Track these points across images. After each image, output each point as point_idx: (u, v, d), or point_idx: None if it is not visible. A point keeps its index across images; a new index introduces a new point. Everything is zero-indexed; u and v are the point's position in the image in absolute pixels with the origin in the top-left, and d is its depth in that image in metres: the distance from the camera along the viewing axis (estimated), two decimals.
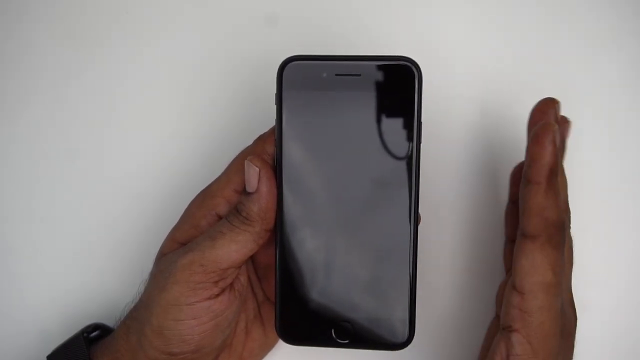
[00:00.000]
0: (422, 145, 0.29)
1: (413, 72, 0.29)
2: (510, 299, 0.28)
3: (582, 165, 0.38)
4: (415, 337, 0.30)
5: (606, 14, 0.38)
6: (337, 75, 0.29)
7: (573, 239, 0.31)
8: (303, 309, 0.30)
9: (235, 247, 0.30)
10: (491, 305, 0.34)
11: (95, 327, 0.35)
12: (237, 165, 0.32)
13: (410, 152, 0.29)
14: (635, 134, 0.38)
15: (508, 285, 0.28)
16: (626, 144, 0.38)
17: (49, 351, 0.34)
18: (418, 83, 0.29)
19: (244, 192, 0.30)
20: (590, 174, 0.38)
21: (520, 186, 0.27)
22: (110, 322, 0.36)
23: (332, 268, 0.30)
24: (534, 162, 0.26)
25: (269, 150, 0.31)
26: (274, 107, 0.30)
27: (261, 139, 0.32)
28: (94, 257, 0.40)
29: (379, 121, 0.29)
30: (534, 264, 0.27)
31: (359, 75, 0.29)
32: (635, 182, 0.38)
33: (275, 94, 0.29)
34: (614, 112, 0.38)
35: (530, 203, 0.27)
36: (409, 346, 0.30)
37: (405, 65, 0.29)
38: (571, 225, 0.31)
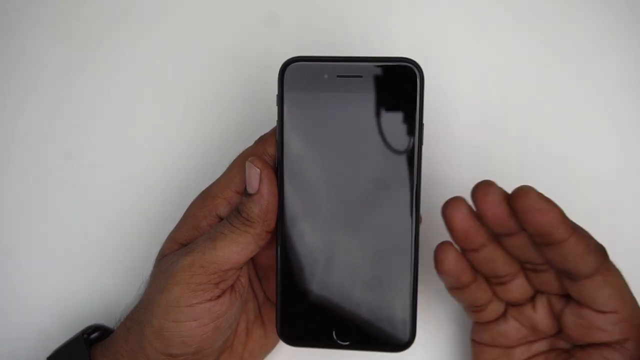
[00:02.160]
0: (423, 145, 0.29)
1: (414, 73, 0.29)
2: (593, 322, 0.29)
3: (582, 165, 0.38)
4: (416, 338, 0.30)
5: (606, 14, 0.38)
6: (338, 76, 0.29)
7: None
8: (304, 310, 0.30)
9: (236, 248, 0.30)
10: None
11: (96, 328, 0.35)
12: (238, 166, 0.32)
13: (412, 152, 0.29)
14: (636, 134, 0.38)
15: (574, 313, 0.29)
16: (626, 144, 0.38)
17: (49, 352, 0.34)
18: (419, 84, 0.29)
19: (245, 193, 0.30)
20: (590, 174, 0.38)
21: (544, 250, 0.28)
22: (110, 323, 0.36)
23: (334, 269, 0.30)
24: (547, 229, 0.27)
25: (270, 151, 0.31)
26: (275, 108, 0.29)
27: (262, 140, 0.31)
28: (94, 258, 0.40)
29: (380, 122, 0.29)
30: (612, 291, 0.28)
31: (361, 76, 0.29)
32: (635, 182, 0.38)
33: (277, 95, 0.29)
34: (614, 112, 0.38)
35: (577, 253, 0.27)
36: (411, 347, 0.30)
37: (407, 66, 0.29)
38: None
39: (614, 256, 0.30)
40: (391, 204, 0.30)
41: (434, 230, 0.37)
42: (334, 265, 0.30)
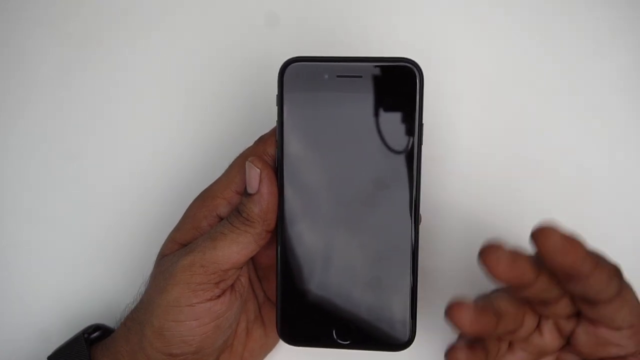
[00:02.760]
0: (423, 145, 0.29)
1: (414, 73, 0.29)
2: (609, 338, 0.29)
3: (582, 166, 0.38)
4: (416, 337, 0.30)
5: (606, 14, 0.38)
6: (338, 76, 0.29)
7: None
8: (304, 310, 0.31)
9: (236, 248, 0.30)
10: None
11: (96, 327, 0.35)
12: (238, 166, 0.32)
13: (411, 152, 0.29)
14: (636, 134, 0.38)
15: (588, 331, 0.29)
16: (626, 144, 0.38)
17: (49, 352, 0.34)
18: (419, 84, 0.29)
19: (245, 193, 0.30)
20: (590, 174, 0.38)
21: (568, 283, 0.27)
22: (110, 323, 0.36)
23: (334, 269, 0.30)
24: (573, 267, 0.26)
25: (269, 151, 0.31)
26: (275, 108, 0.29)
27: (262, 140, 0.32)
28: (94, 258, 0.40)
29: (380, 122, 0.29)
30: (629, 310, 0.28)
31: (360, 76, 0.29)
32: (635, 182, 0.38)
33: (277, 95, 0.29)
34: (614, 112, 0.38)
35: (600, 284, 0.27)
36: (410, 347, 0.30)
37: (406, 66, 0.29)
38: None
39: (614, 256, 0.30)
40: (391, 204, 0.30)
41: (434, 230, 0.37)
42: (334, 265, 0.30)
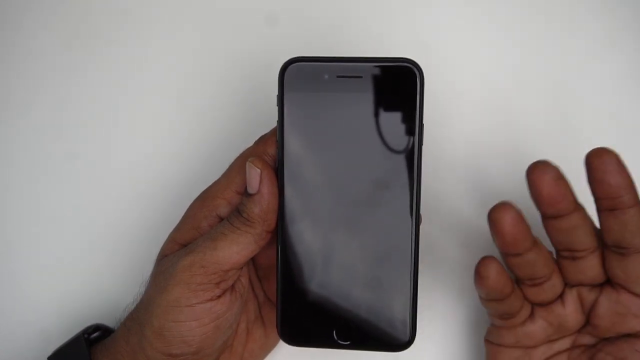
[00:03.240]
0: (423, 146, 0.29)
1: (414, 73, 0.29)
2: (630, 307, 0.29)
3: (582, 166, 0.38)
4: (416, 337, 0.30)
5: (606, 14, 0.38)
6: (338, 76, 0.29)
7: None
8: (304, 310, 0.31)
9: (236, 248, 0.30)
10: None
11: (96, 327, 0.35)
12: (238, 166, 0.32)
13: (412, 152, 0.29)
14: (636, 134, 0.38)
15: (610, 299, 0.30)
16: (626, 144, 0.38)
17: (49, 352, 0.34)
18: (419, 84, 0.29)
19: (245, 193, 0.30)
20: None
21: (608, 216, 0.28)
22: (110, 323, 0.36)
23: (334, 269, 0.30)
24: (620, 191, 0.27)
25: (270, 152, 0.31)
26: (276, 108, 0.29)
27: (262, 140, 0.31)
28: (94, 258, 0.40)
29: (380, 122, 0.29)
30: None
31: (361, 76, 0.29)
32: (635, 182, 0.38)
33: (277, 95, 0.29)
34: (614, 112, 0.38)
35: (637, 224, 0.28)
36: (411, 347, 0.30)
37: (407, 67, 0.29)
38: None
39: None
40: (391, 204, 0.30)
41: (434, 230, 0.37)
42: (334, 265, 0.30)
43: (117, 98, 0.41)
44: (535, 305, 0.31)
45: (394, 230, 0.30)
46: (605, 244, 0.29)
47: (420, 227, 0.30)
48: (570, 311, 0.31)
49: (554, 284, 0.30)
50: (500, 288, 0.29)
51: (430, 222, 0.37)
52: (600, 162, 0.27)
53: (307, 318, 0.31)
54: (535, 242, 0.29)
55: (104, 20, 0.41)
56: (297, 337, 0.31)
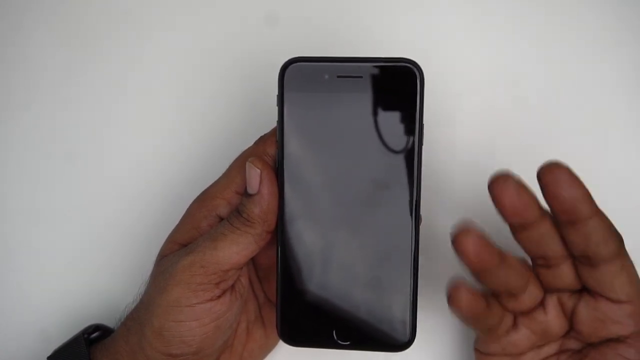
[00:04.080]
0: (424, 146, 0.29)
1: (415, 74, 0.29)
2: (608, 314, 0.29)
3: (582, 166, 0.38)
4: (416, 338, 0.30)
5: (606, 14, 0.38)
6: (338, 76, 0.29)
7: None
8: (304, 310, 0.30)
9: (236, 248, 0.30)
10: None
11: (96, 327, 0.35)
12: (238, 166, 0.32)
13: (412, 153, 0.29)
14: (636, 134, 0.38)
15: (589, 306, 0.29)
16: (626, 144, 0.38)
17: (49, 352, 0.34)
18: (420, 84, 0.29)
19: (245, 193, 0.30)
20: (590, 175, 0.38)
21: (569, 229, 0.28)
22: (110, 323, 0.36)
23: (334, 269, 0.30)
24: (576, 204, 0.27)
25: (270, 152, 0.31)
26: (276, 108, 0.29)
27: (262, 140, 0.31)
28: (94, 258, 0.40)
29: (380, 122, 0.29)
30: (628, 279, 0.28)
31: (361, 76, 0.29)
32: (635, 182, 0.38)
33: (277, 96, 0.29)
34: (615, 111, 0.38)
35: (600, 234, 0.27)
36: (411, 347, 0.30)
37: (407, 67, 0.29)
38: None
39: None
40: (391, 204, 0.30)
41: (435, 231, 0.37)
42: (334, 266, 0.30)
43: (117, 98, 0.41)
44: (518, 314, 0.31)
45: (394, 230, 0.30)
46: (574, 256, 0.29)
47: (421, 227, 0.30)
48: (552, 317, 0.30)
49: (532, 292, 0.30)
50: (475, 312, 0.29)
51: (430, 222, 0.37)
52: (552, 177, 0.27)
53: (306, 318, 0.31)
54: (504, 256, 0.28)
55: (104, 20, 0.41)
56: (297, 337, 0.31)
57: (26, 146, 0.41)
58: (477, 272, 0.28)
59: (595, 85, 0.38)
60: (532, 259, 0.30)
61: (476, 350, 0.33)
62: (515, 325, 0.31)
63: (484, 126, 0.38)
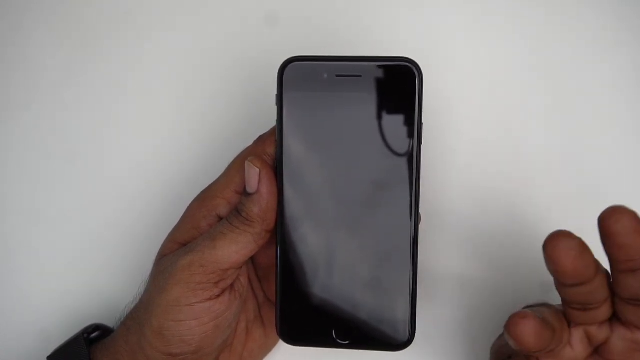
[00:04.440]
0: (422, 145, 0.29)
1: (414, 73, 0.29)
2: None
3: (583, 165, 0.38)
4: (416, 337, 0.30)
5: (606, 14, 0.38)
6: (337, 76, 0.29)
7: None
8: (304, 310, 0.30)
9: (235, 248, 0.30)
10: (492, 305, 0.34)
11: (96, 327, 0.35)
12: (237, 166, 0.32)
13: (411, 152, 0.29)
14: (636, 134, 0.38)
15: (624, 337, 0.28)
16: (626, 144, 0.38)
17: (49, 352, 0.34)
18: (419, 83, 0.29)
19: (244, 193, 0.30)
20: (591, 175, 0.38)
21: (627, 276, 0.26)
22: (110, 323, 0.36)
23: (333, 269, 0.30)
24: (638, 255, 0.25)
25: (269, 151, 0.31)
26: (275, 107, 0.29)
27: (261, 140, 0.31)
28: (94, 258, 0.40)
29: (379, 122, 0.29)
30: None
31: (360, 76, 0.29)
32: (635, 182, 0.38)
33: (276, 95, 0.29)
34: (615, 112, 0.38)
35: None
36: (410, 347, 0.30)
37: (406, 66, 0.29)
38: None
39: None
40: (391, 204, 0.30)
41: (434, 230, 0.37)
42: (334, 265, 0.30)
43: (117, 98, 0.41)
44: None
45: (394, 230, 0.30)
46: (619, 296, 0.27)
47: (420, 226, 0.30)
48: (578, 352, 0.29)
49: (564, 339, 0.28)
50: (543, 344, 0.27)
51: (430, 221, 0.37)
52: (617, 225, 0.25)
53: (306, 318, 0.31)
54: (599, 267, 0.27)
55: (104, 21, 0.41)
56: (297, 337, 0.31)
57: (26, 146, 0.41)
58: (569, 282, 0.26)
59: (595, 85, 0.38)
60: (565, 303, 0.29)
61: None
62: None
63: (484, 125, 0.38)
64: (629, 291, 0.27)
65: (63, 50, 0.41)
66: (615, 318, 0.28)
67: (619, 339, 0.28)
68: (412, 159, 0.29)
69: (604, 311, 0.28)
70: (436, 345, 0.37)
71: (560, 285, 0.27)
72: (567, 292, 0.27)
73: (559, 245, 0.25)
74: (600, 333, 0.29)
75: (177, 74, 0.40)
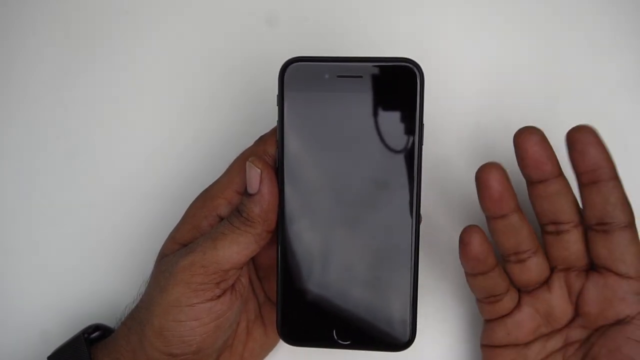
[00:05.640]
0: (423, 145, 0.29)
1: (414, 73, 0.29)
2: (616, 290, 0.30)
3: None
4: (416, 337, 0.30)
5: (606, 14, 0.38)
6: (338, 76, 0.29)
7: None
8: (304, 310, 0.31)
9: (236, 248, 0.30)
10: None
11: (96, 327, 0.35)
12: (238, 166, 0.32)
13: (412, 152, 0.29)
14: (636, 134, 0.38)
15: (597, 283, 0.30)
16: (626, 144, 0.38)
17: (49, 352, 0.34)
18: (420, 84, 0.29)
19: (245, 193, 0.30)
20: None
21: (589, 190, 0.30)
22: (111, 323, 0.36)
23: (334, 269, 0.30)
24: (599, 163, 0.29)
25: (270, 151, 0.31)
26: (276, 108, 0.29)
27: (262, 140, 0.32)
28: (94, 258, 0.39)
29: (380, 122, 0.29)
30: (638, 254, 0.30)
31: (361, 76, 0.29)
32: (635, 181, 0.38)
33: (277, 95, 0.29)
34: (614, 112, 0.38)
35: (618, 197, 0.29)
36: (411, 347, 0.30)
37: (407, 66, 0.29)
38: None
39: None
40: (391, 204, 0.30)
41: (434, 230, 0.37)
42: (334, 265, 0.30)
43: (117, 98, 0.41)
44: (521, 291, 0.32)
45: (394, 230, 0.30)
46: (589, 225, 0.30)
47: (421, 226, 0.30)
48: (556, 296, 0.31)
49: (539, 263, 0.31)
50: (484, 257, 0.30)
51: (431, 221, 0.37)
52: (580, 136, 0.29)
53: (307, 318, 0.31)
54: (519, 209, 0.30)
55: (104, 21, 0.41)
56: (297, 337, 0.31)
57: (26, 146, 0.41)
58: (494, 213, 0.30)
59: (597, 85, 0.38)
60: (542, 227, 0.32)
61: (483, 346, 0.33)
62: (519, 305, 0.32)
63: (485, 125, 0.38)
64: (594, 211, 0.29)
65: (63, 50, 0.41)
66: (591, 269, 0.31)
67: (593, 285, 0.30)
68: (413, 160, 0.29)
69: (576, 241, 0.30)
70: (437, 346, 0.37)
71: (530, 186, 0.31)
72: (536, 194, 0.31)
73: (525, 134, 0.30)
74: (577, 281, 0.31)
75: (177, 74, 0.40)
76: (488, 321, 0.33)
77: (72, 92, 0.41)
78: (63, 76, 0.41)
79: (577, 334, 0.31)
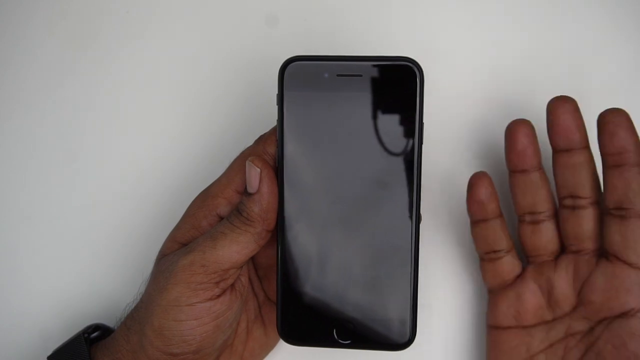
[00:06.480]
0: (423, 145, 0.29)
1: (414, 72, 0.29)
2: (624, 280, 0.30)
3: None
4: (416, 337, 0.30)
5: (607, 12, 0.38)
6: (338, 75, 0.29)
7: None
8: (304, 309, 0.30)
9: (236, 247, 0.30)
10: None
11: (96, 327, 0.35)
12: (238, 165, 0.32)
13: (412, 152, 0.29)
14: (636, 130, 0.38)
15: (605, 271, 0.30)
16: None
17: (49, 352, 0.34)
18: (419, 83, 0.29)
19: (245, 192, 0.30)
20: None
21: (613, 172, 0.30)
22: (110, 323, 0.36)
23: (334, 268, 0.30)
24: (628, 147, 0.29)
25: (270, 151, 0.31)
26: (275, 107, 0.29)
27: (262, 139, 0.31)
28: (94, 258, 0.40)
29: (380, 121, 0.29)
30: None
31: (361, 75, 0.29)
32: None
33: (277, 94, 0.29)
34: (614, 106, 0.38)
35: (638, 183, 0.29)
36: (411, 346, 0.30)
37: (407, 66, 0.29)
38: None
39: None
40: (391, 204, 0.30)
41: (435, 230, 0.37)
42: (335, 265, 0.30)
43: (117, 98, 0.41)
44: (528, 260, 0.33)
45: (394, 230, 0.30)
46: (606, 208, 0.30)
47: (421, 226, 0.30)
48: (560, 276, 0.31)
49: (552, 229, 0.32)
50: (488, 201, 0.31)
51: (431, 221, 0.37)
52: (613, 118, 0.29)
53: (307, 317, 0.31)
54: (541, 169, 0.31)
55: (104, 20, 0.41)
56: (298, 337, 0.31)
57: (26, 146, 0.41)
58: (517, 166, 0.31)
59: (596, 84, 0.38)
60: (560, 201, 0.32)
61: (488, 327, 0.34)
62: (522, 276, 0.32)
63: (485, 125, 0.38)
64: (615, 195, 0.30)
65: (63, 50, 0.41)
66: (601, 257, 0.31)
67: (601, 273, 0.30)
68: (413, 159, 0.29)
69: (590, 218, 0.31)
70: (437, 346, 0.37)
71: (555, 154, 0.31)
72: (559, 163, 0.31)
73: (561, 102, 0.30)
74: (585, 267, 0.31)
75: (177, 74, 0.40)
76: (492, 295, 0.33)
77: (73, 92, 0.41)
78: (63, 76, 0.41)
79: (579, 325, 0.31)
